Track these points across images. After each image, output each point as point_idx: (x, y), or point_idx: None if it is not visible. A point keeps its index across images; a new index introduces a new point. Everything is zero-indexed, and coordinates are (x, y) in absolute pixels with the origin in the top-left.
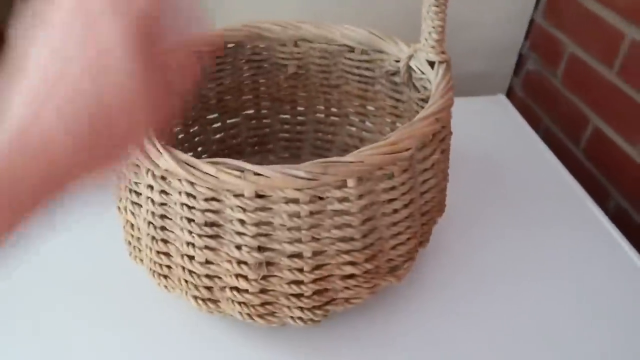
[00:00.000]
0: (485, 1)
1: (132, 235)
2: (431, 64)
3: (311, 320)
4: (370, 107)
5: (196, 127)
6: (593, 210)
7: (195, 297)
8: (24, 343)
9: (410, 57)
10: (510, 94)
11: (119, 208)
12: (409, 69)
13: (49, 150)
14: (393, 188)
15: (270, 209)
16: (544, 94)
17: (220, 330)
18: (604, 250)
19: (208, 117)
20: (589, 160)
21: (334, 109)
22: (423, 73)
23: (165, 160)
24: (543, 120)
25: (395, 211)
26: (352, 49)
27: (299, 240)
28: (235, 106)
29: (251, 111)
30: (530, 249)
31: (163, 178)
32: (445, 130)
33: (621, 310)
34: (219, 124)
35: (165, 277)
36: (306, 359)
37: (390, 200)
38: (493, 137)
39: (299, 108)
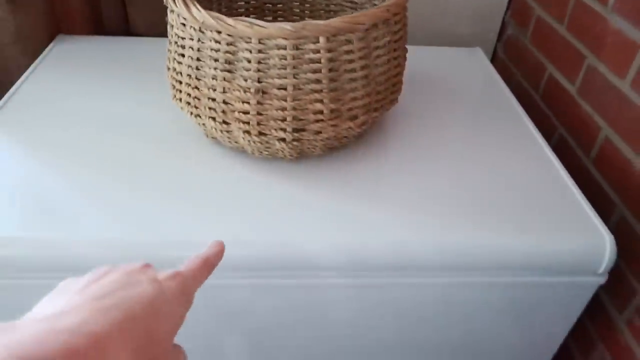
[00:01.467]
0: None
1: (176, 80)
2: None
3: (291, 142)
4: None
5: None
6: (535, 135)
7: (214, 119)
8: (76, 164)
9: None
10: (494, 57)
11: (168, 68)
12: None
13: None
14: (352, 52)
15: (267, 52)
16: (517, 52)
17: (228, 159)
18: (541, 170)
19: None
20: (543, 101)
21: None
22: None
23: (203, 15)
24: (515, 76)
25: (354, 70)
26: None
27: (285, 77)
28: None
29: None
30: (472, 148)
31: (200, 30)
32: (399, 25)
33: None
34: None
35: (196, 107)
36: (287, 188)
37: (350, 61)
38: (464, 76)
39: None
